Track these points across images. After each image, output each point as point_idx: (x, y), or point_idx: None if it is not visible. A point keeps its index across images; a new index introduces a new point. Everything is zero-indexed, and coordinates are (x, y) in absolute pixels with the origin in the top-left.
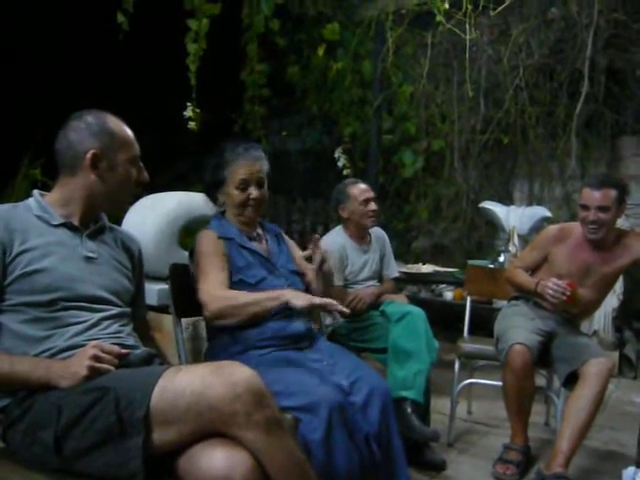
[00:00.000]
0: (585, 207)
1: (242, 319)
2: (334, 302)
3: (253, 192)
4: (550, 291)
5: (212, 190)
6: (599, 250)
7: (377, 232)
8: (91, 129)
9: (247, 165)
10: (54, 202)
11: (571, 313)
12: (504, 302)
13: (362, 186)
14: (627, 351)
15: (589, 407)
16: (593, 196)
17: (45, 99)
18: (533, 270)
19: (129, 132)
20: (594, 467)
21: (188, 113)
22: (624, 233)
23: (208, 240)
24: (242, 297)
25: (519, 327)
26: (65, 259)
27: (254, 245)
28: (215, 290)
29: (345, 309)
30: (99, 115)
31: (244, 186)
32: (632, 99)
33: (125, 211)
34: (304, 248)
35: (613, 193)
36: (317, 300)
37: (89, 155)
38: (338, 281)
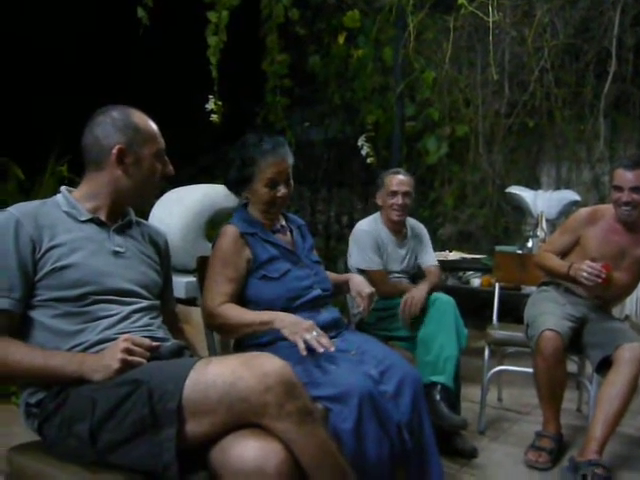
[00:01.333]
0: (618, 188)
1: (234, 337)
2: (326, 343)
3: (281, 190)
4: (585, 274)
5: (237, 187)
6: (632, 232)
7: (412, 224)
8: (116, 124)
9: (276, 164)
10: (81, 198)
11: (604, 298)
12: (532, 288)
13: (399, 177)
14: None
15: (623, 393)
16: (627, 177)
17: (69, 96)
18: (563, 254)
19: (154, 126)
20: (628, 454)
21: (210, 106)
22: None
23: (228, 240)
24: (236, 318)
25: (550, 313)
26: (93, 254)
27: (278, 237)
28: (215, 304)
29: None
30: (124, 110)
31: (273, 184)
32: None
33: (151, 205)
34: (328, 238)
35: None
36: (308, 337)
37: (115, 150)
38: (377, 265)
